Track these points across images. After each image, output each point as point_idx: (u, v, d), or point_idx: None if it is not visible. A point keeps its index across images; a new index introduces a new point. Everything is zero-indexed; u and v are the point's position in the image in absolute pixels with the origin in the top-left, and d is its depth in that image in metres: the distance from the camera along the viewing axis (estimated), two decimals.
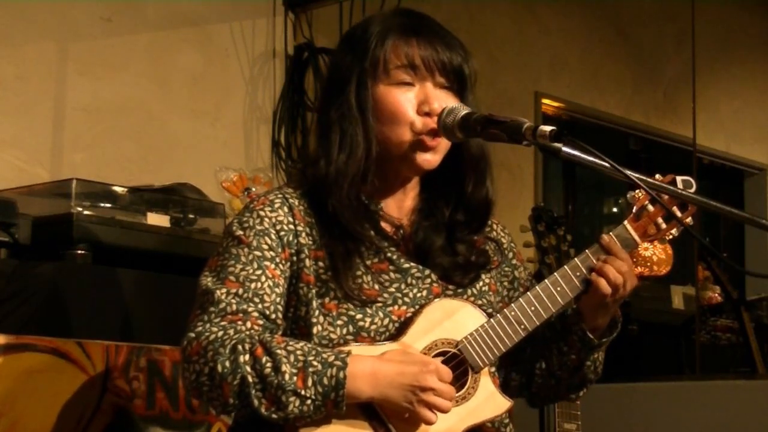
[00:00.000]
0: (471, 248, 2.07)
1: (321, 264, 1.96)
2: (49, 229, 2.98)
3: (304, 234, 1.97)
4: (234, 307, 1.89)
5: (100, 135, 3.82)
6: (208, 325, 1.87)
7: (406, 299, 1.97)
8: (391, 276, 1.98)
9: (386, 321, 1.95)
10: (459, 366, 1.95)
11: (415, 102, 1.98)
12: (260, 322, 1.89)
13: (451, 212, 2.06)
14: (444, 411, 1.87)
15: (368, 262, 1.97)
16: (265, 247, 1.94)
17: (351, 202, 1.97)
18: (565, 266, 2.03)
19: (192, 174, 3.77)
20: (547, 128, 1.81)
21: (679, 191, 1.93)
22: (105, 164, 3.77)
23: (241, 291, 1.90)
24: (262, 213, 1.97)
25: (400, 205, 2.06)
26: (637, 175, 1.81)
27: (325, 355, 1.84)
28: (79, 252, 2.95)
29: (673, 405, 3.61)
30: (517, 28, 5.41)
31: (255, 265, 1.92)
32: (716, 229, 6.43)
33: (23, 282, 2.84)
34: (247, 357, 1.82)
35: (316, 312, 1.93)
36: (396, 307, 1.96)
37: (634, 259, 2.08)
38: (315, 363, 1.82)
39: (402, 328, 1.95)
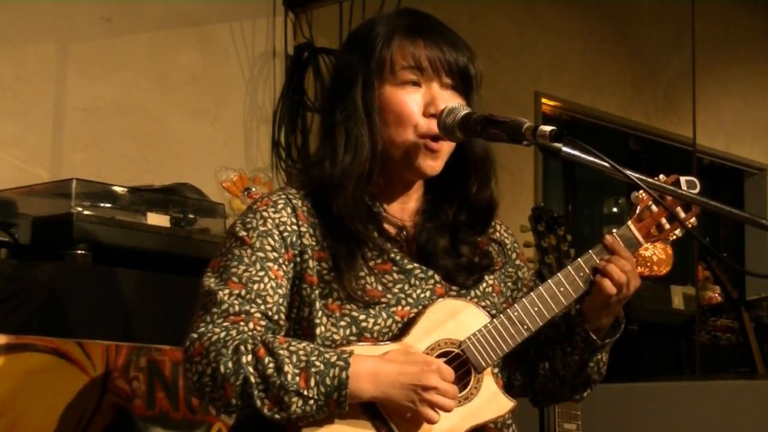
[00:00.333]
0: (474, 249, 2.07)
1: (324, 265, 1.96)
2: (49, 229, 2.98)
3: (307, 235, 1.97)
4: (236, 308, 1.89)
5: (100, 135, 3.82)
6: (210, 326, 1.87)
7: (409, 300, 1.97)
8: (395, 277, 1.98)
9: (389, 321, 1.95)
10: (462, 366, 1.95)
11: (421, 103, 1.98)
12: (263, 323, 1.90)
13: (454, 213, 2.06)
14: (447, 410, 1.87)
15: (371, 263, 1.97)
16: (268, 248, 1.94)
17: (355, 204, 1.96)
18: (569, 266, 2.03)
19: (192, 174, 3.77)
20: (547, 128, 1.81)
21: (679, 191, 1.93)
22: (105, 164, 3.77)
23: (243, 292, 1.90)
24: (265, 214, 1.97)
25: (403, 207, 2.06)
26: (637, 176, 1.81)
27: (327, 356, 1.84)
28: (79, 252, 2.95)
29: (673, 405, 3.61)
30: (517, 28, 5.41)
31: (258, 266, 1.92)
32: (716, 229, 6.43)
33: (23, 282, 2.84)
34: (249, 357, 1.82)
35: (319, 313, 1.93)
36: (399, 307, 1.96)
37: (635, 260, 2.08)
38: (317, 363, 1.82)
39: (405, 328, 1.95)
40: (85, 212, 3.02)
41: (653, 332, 5.36)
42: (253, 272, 1.92)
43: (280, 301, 1.93)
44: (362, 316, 1.93)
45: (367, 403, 1.87)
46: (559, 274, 2.03)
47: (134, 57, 3.94)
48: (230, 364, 1.82)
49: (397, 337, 1.94)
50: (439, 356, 1.94)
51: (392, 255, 1.99)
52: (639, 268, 2.07)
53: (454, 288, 2.03)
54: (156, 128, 3.98)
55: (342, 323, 1.93)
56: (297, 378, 1.81)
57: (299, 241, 1.96)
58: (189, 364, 1.87)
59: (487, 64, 2.06)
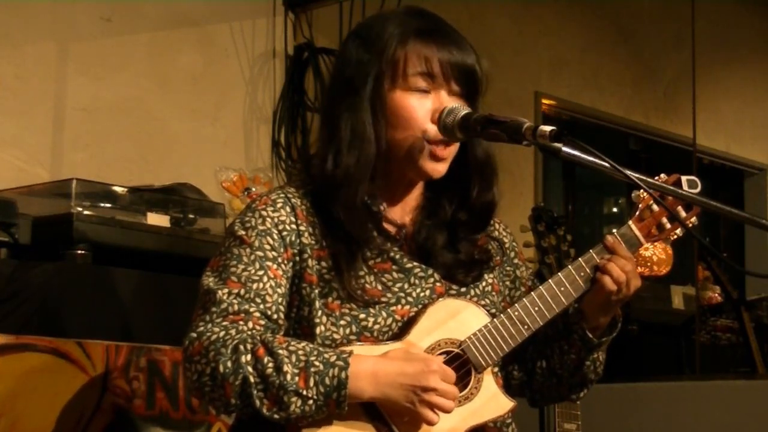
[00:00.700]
0: (473, 246, 2.07)
1: (324, 264, 1.96)
2: (49, 229, 2.98)
3: (306, 234, 1.97)
4: (236, 307, 1.89)
5: (100, 135, 3.82)
6: (209, 325, 1.87)
7: (409, 298, 1.97)
8: (394, 276, 1.98)
9: (389, 321, 1.95)
10: (462, 366, 1.95)
11: (430, 109, 1.97)
12: (262, 322, 1.89)
13: (453, 212, 2.06)
14: (446, 411, 1.87)
15: (371, 262, 1.97)
16: (267, 247, 1.94)
17: (356, 205, 1.96)
18: (569, 266, 2.03)
19: (192, 174, 3.77)
20: (547, 128, 1.81)
21: (679, 191, 1.93)
22: (105, 164, 3.77)
23: (242, 291, 1.90)
24: (264, 213, 1.97)
25: (403, 206, 2.06)
26: (637, 176, 1.81)
27: (326, 355, 1.84)
28: (79, 252, 2.95)
29: (673, 405, 3.60)
30: (517, 28, 5.41)
31: (257, 266, 1.92)
32: (716, 229, 6.43)
33: (23, 282, 2.84)
34: (248, 357, 1.82)
35: (319, 312, 1.93)
36: (399, 306, 1.96)
37: (635, 260, 2.08)
38: (317, 363, 1.82)
39: (405, 327, 1.95)
40: (85, 212, 3.02)
41: (653, 332, 5.35)
42: (252, 271, 1.92)
43: (280, 300, 1.93)
44: (362, 315, 1.93)
45: (368, 403, 1.87)
46: (559, 273, 2.03)
47: (134, 57, 3.94)
48: (229, 364, 1.82)
49: (397, 336, 1.94)
50: (439, 356, 1.94)
51: (392, 254, 1.99)
52: (639, 268, 2.07)
53: (453, 287, 2.03)
54: (156, 128, 3.98)
55: (342, 322, 1.93)
56: (296, 378, 1.81)
57: (298, 240, 1.96)
58: (188, 364, 1.86)
59: (487, 64, 2.06)
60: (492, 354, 1.96)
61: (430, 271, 2.01)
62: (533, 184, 5.38)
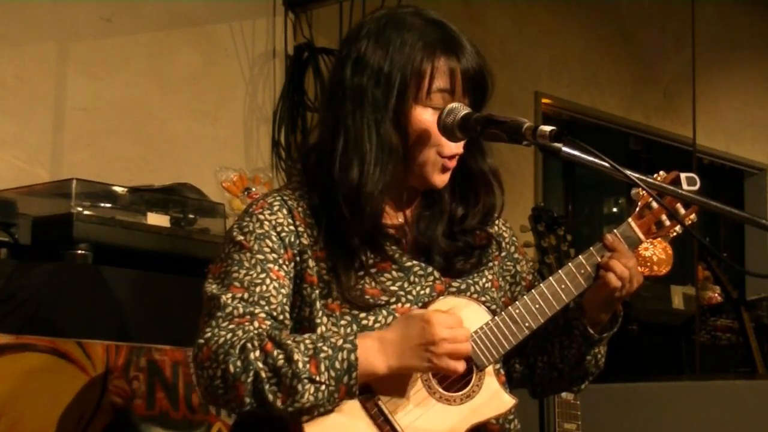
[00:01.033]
0: (472, 235, 2.07)
1: (323, 265, 1.96)
2: (49, 229, 2.98)
3: (305, 235, 1.97)
4: (241, 310, 1.89)
5: (100, 135, 3.82)
6: (216, 330, 1.87)
7: (409, 297, 1.98)
8: (394, 275, 1.98)
9: (390, 319, 1.95)
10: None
11: None
12: (268, 322, 1.90)
13: (453, 206, 2.06)
14: (465, 354, 1.87)
15: (370, 262, 1.97)
16: (267, 249, 1.94)
17: (377, 215, 1.95)
18: (570, 264, 2.03)
19: (192, 174, 3.77)
20: (547, 128, 1.81)
21: (679, 191, 1.93)
22: (105, 164, 3.77)
23: (246, 295, 1.90)
24: (261, 216, 1.97)
25: (403, 207, 2.06)
26: (637, 175, 1.81)
27: (333, 340, 1.85)
28: (79, 252, 2.95)
29: (673, 405, 3.60)
30: (517, 28, 5.41)
31: (258, 269, 1.93)
32: (716, 229, 6.43)
33: (23, 282, 2.84)
34: (257, 353, 1.82)
35: (320, 313, 1.94)
36: (399, 305, 1.97)
37: (635, 258, 2.08)
38: (325, 348, 1.83)
39: None
40: (85, 212, 3.02)
41: (653, 332, 5.35)
42: (254, 275, 1.92)
43: (284, 300, 1.94)
44: (362, 315, 1.94)
45: (369, 402, 1.88)
46: (560, 271, 2.03)
47: (134, 57, 3.94)
48: (239, 363, 1.82)
49: None
50: None
51: (391, 253, 1.99)
52: (639, 267, 2.07)
53: (454, 284, 2.03)
54: (156, 128, 3.98)
55: (342, 322, 1.93)
56: (307, 365, 1.81)
57: (297, 241, 1.96)
58: (200, 371, 1.87)
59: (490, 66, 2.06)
60: (493, 352, 1.96)
61: (430, 269, 2.01)
62: (533, 184, 5.38)
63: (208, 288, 1.94)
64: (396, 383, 1.91)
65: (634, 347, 5.05)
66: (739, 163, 6.51)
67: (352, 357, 1.83)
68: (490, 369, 1.99)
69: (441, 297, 1.99)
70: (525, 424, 2.12)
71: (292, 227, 1.97)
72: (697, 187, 2.01)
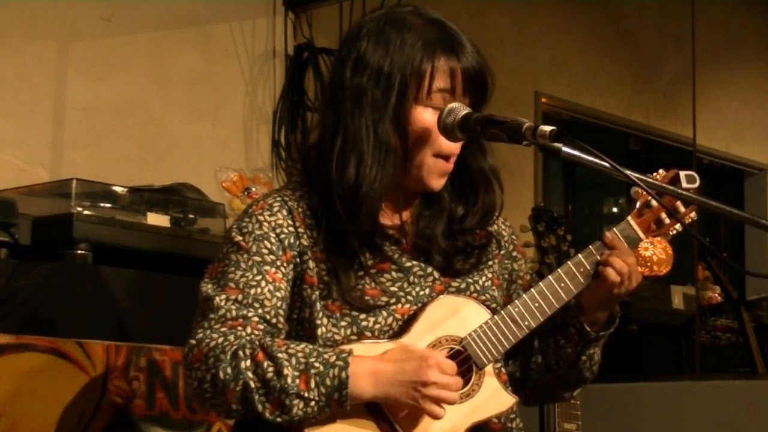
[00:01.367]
0: (472, 235, 2.06)
1: (323, 266, 1.96)
2: (49, 229, 2.98)
3: (305, 236, 1.97)
4: (234, 313, 1.89)
5: (100, 135, 3.82)
6: (208, 332, 1.87)
7: (409, 297, 1.98)
8: (393, 275, 1.98)
9: (390, 320, 1.95)
10: (464, 363, 1.95)
11: None
12: (261, 326, 1.89)
13: (453, 206, 2.06)
14: (450, 403, 1.87)
15: (370, 262, 1.97)
16: (265, 251, 1.94)
17: (374, 216, 1.95)
18: (569, 262, 2.03)
19: (192, 174, 3.77)
20: (547, 128, 1.81)
21: (679, 191, 1.93)
22: (105, 164, 3.77)
23: (240, 297, 1.90)
24: (260, 217, 1.97)
25: (402, 207, 2.05)
26: (636, 175, 1.81)
27: (326, 356, 1.84)
28: (79, 252, 2.95)
29: (673, 405, 3.61)
30: (517, 28, 5.41)
31: (255, 271, 1.92)
32: (716, 229, 6.43)
33: (23, 282, 2.84)
34: (248, 362, 1.82)
35: (320, 314, 1.94)
36: (399, 305, 1.96)
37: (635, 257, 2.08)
38: (317, 364, 1.83)
39: (405, 326, 1.95)
40: (85, 212, 3.02)
41: (653, 332, 5.36)
42: (250, 277, 1.92)
43: (279, 304, 1.93)
44: (362, 315, 1.94)
45: (370, 402, 1.87)
46: (559, 269, 2.03)
47: (134, 57, 3.94)
48: (229, 370, 1.82)
49: (397, 334, 1.95)
50: (440, 351, 1.93)
51: (390, 254, 1.99)
52: (639, 267, 2.07)
53: (453, 283, 2.03)
54: (156, 128, 3.98)
55: (343, 323, 1.93)
56: (297, 380, 1.81)
57: (297, 242, 1.96)
58: (189, 371, 1.87)
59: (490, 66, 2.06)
60: (493, 351, 1.96)
61: (430, 270, 2.01)
62: (533, 184, 5.38)
63: (203, 288, 1.94)
64: None
65: (634, 347, 5.05)
66: (739, 163, 6.51)
67: (343, 375, 1.82)
68: (489, 368, 1.99)
69: (440, 296, 1.99)
70: (525, 424, 2.12)
71: (292, 228, 1.97)
72: (696, 185, 2.01)
